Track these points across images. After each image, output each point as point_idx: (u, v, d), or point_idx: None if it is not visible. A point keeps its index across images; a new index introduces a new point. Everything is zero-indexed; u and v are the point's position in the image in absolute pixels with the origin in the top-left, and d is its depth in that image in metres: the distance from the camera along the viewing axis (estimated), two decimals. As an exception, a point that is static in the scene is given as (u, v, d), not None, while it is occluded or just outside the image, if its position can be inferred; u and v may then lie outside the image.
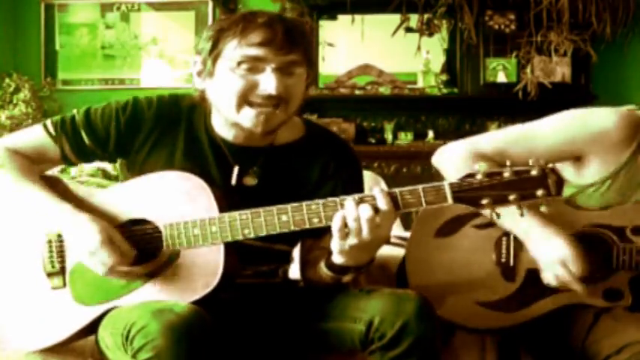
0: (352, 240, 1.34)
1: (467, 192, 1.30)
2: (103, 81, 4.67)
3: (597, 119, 1.68)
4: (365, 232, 1.33)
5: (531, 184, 1.27)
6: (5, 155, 1.55)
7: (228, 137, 1.56)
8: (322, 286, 1.54)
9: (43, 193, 1.51)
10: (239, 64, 1.44)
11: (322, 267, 1.49)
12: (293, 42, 1.45)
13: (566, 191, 1.65)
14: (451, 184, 1.30)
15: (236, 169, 1.55)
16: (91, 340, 1.56)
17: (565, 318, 1.66)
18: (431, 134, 4.39)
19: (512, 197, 1.27)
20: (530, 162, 1.28)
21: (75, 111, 1.59)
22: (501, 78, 4.35)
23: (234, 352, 1.52)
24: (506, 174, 1.27)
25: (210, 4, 4.59)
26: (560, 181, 1.28)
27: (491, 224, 1.70)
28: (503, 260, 1.69)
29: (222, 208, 1.44)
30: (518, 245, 1.69)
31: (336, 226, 1.34)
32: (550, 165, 1.30)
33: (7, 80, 4.33)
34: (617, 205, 1.68)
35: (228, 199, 1.48)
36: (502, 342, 1.75)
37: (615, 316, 1.61)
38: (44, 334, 1.52)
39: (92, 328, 1.50)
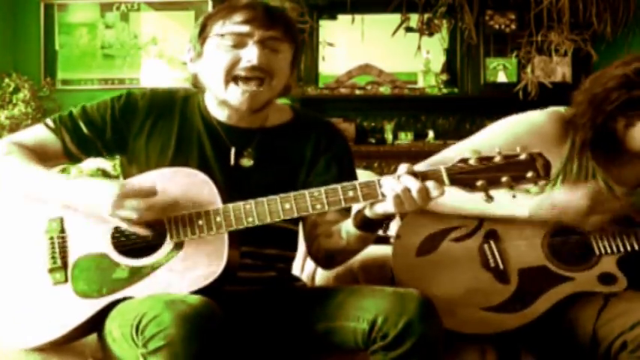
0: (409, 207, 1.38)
1: (462, 174, 1.36)
2: (103, 81, 4.66)
3: (529, 118, 1.79)
4: (418, 201, 1.37)
5: (521, 167, 1.35)
6: (12, 146, 1.59)
7: (221, 118, 1.64)
8: (347, 255, 1.61)
9: (51, 173, 1.55)
10: (223, 36, 1.54)
11: (350, 230, 1.52)
12: (274, 20, 1.56)
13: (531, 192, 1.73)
14: (447, 168, 1.37)
15: (233, 150, 1.61)
16: (91, 340, 1.57)
17: (569, 310, 1.68)
18: (431, 134, 4.39)
19: (504, 179, 1.35)
20: (518, 149, 1.37)
21: (72, 108, 1.66)
22: (502, 78, 4.35)
23: (239, 350, 1.53)
24: (497, 159, 1.36)
25: (210, 4, 4.58)
26: (548, 164, 1.36)
27: (468, 236, 1.76)
28: (492, 265, 1.72)
29: (226, 202, 1.46)
30: (502, 248, 1.73)
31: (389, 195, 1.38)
32: (537, 150, 1.37)
33: (6, 80, 4.32)
34: None
35: (227, 180, 1.54)
36: (502, 342, 1.75)
37: (625, 298, 1.64)
38: (46, 330, 1.52)
39: (95, 322, 1.51)
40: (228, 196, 1.47)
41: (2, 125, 4.10)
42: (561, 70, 4.26)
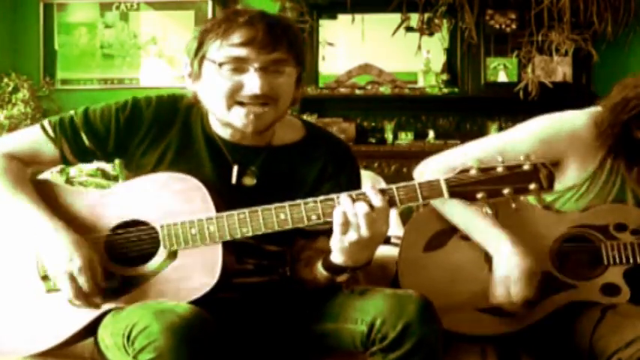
0: (352, 236, 1.35)
1: (462, 186, 1.33)
2: (102, 81, 4.65)
3: (568, 121, 1.73)
4: (363, 228, 1.33)
5: (524, 178, 1.32)
6: (3, 161, 1.54)
7: (225, 136, 1.56)
8: (313, 286, 1.54)
9: (31, 205, 1.49)
10: (222, 65, 1.44)
11: (319, 267, 1.49)
12: (276, 40, 1.44)
13: (547, 198, 1.70)
14: (447, 179, 1.34)
15: (235, 168, 1.55)
16: (90, 342, 1.55)
17: (569, 317, 1.66)
18: (431, 134, 4.38)
19: (506, 191, 1.32)
20: (522, 158, 1.33)
21: (72, 112, 1.59)
22: (502, 77, 4.34)
23: (235, 353, 1.51)
24: (500, 169, 1.32)
25: (210, 4, 4.57)
26: (552, 175, 1.32)
27: None
28: None
29: (219, 208, 1.43)
30: None
31: (337, 221, 1.35)
32: (542, 160, 1.33)
33: (5, 80, 4.30)
34: (595, 206, 1.72)
35: (227, 198, 1.48)
36: (503, 344, 1.74)
37: (622, 312, 1.62)
38: (40, 338, 1.51)
39: (89, 330, 1.50)
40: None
41: (1, 125, 4.09)
42: (562, 69, 4.25)
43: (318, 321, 1.50)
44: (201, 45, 1.48)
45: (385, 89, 4.41)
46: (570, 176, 1.73)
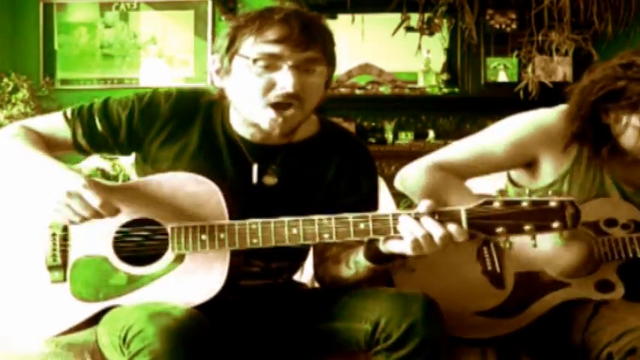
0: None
1: (482, 219, 1.29)
2: (102, 80, 4.64)
3: (538, 119, 1.74)
4: (440, 246, 1.32)
5: (548, 216, 1.27)
6: (21, 129, 1.55)
7: (246, 135, 1.54)
8: (348, 283, 1.52)
9: (50, 160, 1.47)
10: (255, 61, 1.42)
11: (359, 261, 1.46)
12: (310, 38, 1.43)
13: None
14: (468, 210, 1.29)
15: (255, 168, 1.53)
16: (90, 341, 1.56)
17: (563, 315, 1.67)
18: (431, 134, 4.38)
19: (527, 227, 1.27)
20: (550, 193, 1.30)
21: (95, 100, 1.60)
22: (502, 77, 4.33)
23: (239, 352, 1.51)
24: (525, 204, 1.28)
25: (210, 3, 4.56)
26: (578, 215, 1.28)
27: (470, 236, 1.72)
28: (489, 269, 1.71)
29: (233, 215, 1.42)
30: (501, 252, 1.71)
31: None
32: (570, 198, 1.30)
33: (5, 80, 4.30)
34: (582, 202, 1.70)
35: (248, 198, 1.47)
36: (502, 345, 1.74)
37: (614, 307, 1.63)
38: (41, 328, 1.51)
39: (90, 323, 1.50)
40: (249, 216, 1.41)
41: (1, 125, 4.09)
42: (562, 69, 4.25)
43: (323, 320, 1.49)
44: (233, 41, 1.46)
45: (385, 89, 4.41)
46: (547, 172, 1.73)
